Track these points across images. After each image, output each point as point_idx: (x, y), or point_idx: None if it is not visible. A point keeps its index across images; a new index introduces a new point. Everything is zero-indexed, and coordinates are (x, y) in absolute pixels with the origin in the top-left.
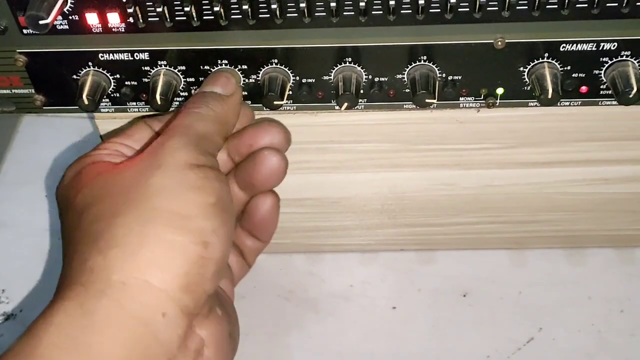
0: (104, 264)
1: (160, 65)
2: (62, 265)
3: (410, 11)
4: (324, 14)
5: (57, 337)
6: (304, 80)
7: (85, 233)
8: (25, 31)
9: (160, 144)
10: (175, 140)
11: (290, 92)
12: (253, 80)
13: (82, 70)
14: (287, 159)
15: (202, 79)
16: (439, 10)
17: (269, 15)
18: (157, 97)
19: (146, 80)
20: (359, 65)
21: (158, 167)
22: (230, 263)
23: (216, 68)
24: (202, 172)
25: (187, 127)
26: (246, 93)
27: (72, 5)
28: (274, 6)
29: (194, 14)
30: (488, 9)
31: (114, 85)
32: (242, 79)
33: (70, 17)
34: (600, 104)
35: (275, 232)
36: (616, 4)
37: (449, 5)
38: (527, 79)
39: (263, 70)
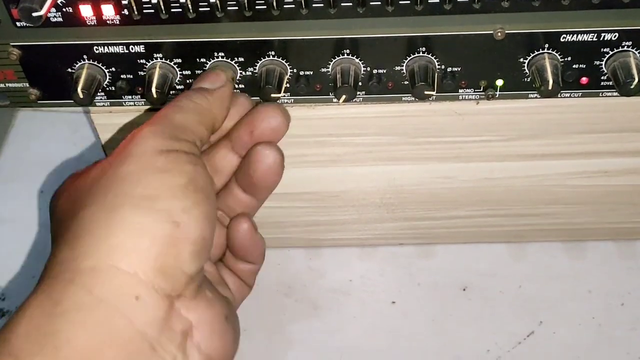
0: (72, 254)
1: (156, 58)
2: None
3: (408, 2)
4: (322, 5)
5: (27, 328)
6: (301, 73)
7: (57, 234)
8: (18, 24)
9: (132, 135)
10: (147, 129)
11: (288, 85)
12: (250, 73)
13: (77, 64)
14: (282, 152)
15: (199, 71)
16: (438, 0)
17: (265, 7)
18: (153, 90)
19: (142, 73)
20: (357, 57)
21: (127, 155)
22: (228, 283)
23: (212, 60)
24: (172, 156)
25: (162, 117)
26: (243, 86)
27: None
28: None
29: (189, 5)
30: None
31: (109, 79)
32: (238, 71)
33: (64, 9)
34: (601, 95)
35: (273, 228)
36: None
37: None
38: (527, 70)
39: (260, 62)
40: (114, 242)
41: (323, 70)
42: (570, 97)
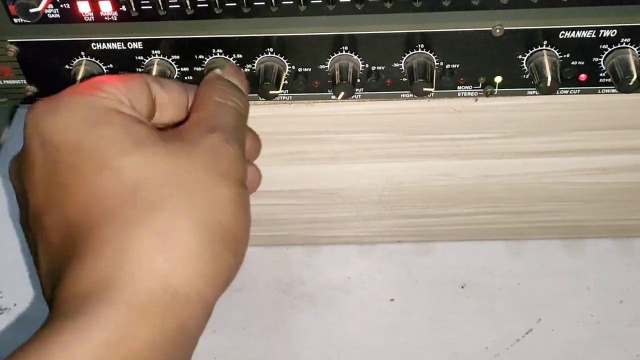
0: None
1: (154, 55)
2: None
3: None
4: (320, 1)
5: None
6: (300, 70)
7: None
8: (15, 20)
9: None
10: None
11: (286, 82)
12: (248, 70)
13: (75, 60)
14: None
15: (197, 68)
16: None
17: (263, 3)
18: None
19: (140, 70)
20: (355, 54)
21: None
22: None
23: (210, 57)
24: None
25: (234, 131)
26: None
27: None
28: None
29: (187, 2)
30: None
31: None
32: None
33: (61, 6)
34: (599, 92)
35: (271, 225)
36: None
37: None
38: (525, 67)
39: (258, 59)
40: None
41: (321, 67)
42: (568, 94)
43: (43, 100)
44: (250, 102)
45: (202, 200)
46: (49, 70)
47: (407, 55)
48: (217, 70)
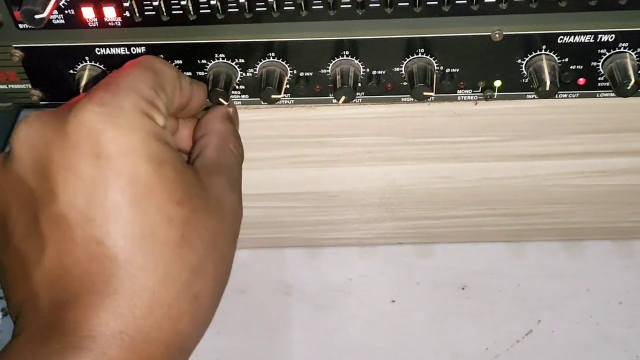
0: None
1: None
2: None
3: (407, 4)
4: (321, 7)
5: None
6: (301, 74)
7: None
8: (21, 26)
9: None
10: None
11: (288, 86)
12: (250, 74)
13: (79, 65)
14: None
15: (200, 72)
16: (437, 2)
17: (265, 9)
18: None
19: None
20: (356, 59)
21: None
22: None
23: (213, 62)
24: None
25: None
26: (244, 87)
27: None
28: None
29: (190, 7)
30: (485, 1)
31: None
32: (239, 73)
33: (66, 11)
34: (598, 95)
35: (273, 227)
36: None
37: None
38: (524, 72)
39: (260, 64)
40: None
41: (323, 71)
42: (567, 97)
43: (94, 101)
44: (252, 106)
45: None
46: (53, 75)
47: (408, 60)
48: (230, 110)
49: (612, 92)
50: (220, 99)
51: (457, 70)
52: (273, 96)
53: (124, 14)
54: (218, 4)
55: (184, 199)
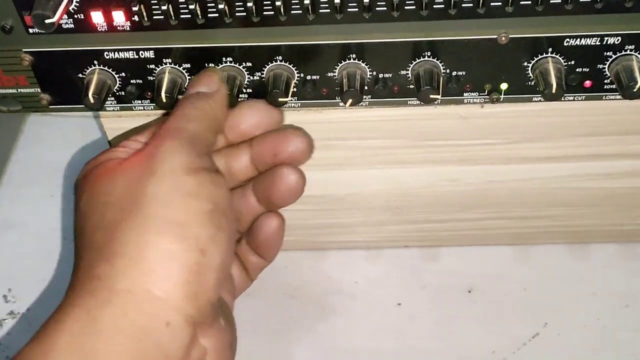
0: (110, 273)
1: (166, 64)
2: (73, 266)
3: (414, 7)
4: (328, 10)
5: (67, 343)
6: (308, 77)
7: (89, 241)
8: (31, 30)
9: (154, 147)
10: (169, 144)
11: (295, 89)
12: (258, 78)
13: (88, 69)
14: (304, 176)
15: None
16: (443, 6)
17: (273, 13)
18: (162, 95)
19: (151, 78)
20: (363, 62)
21: (153, 173)
22: (233, 274)
23: (220, 65)
24: (198, 177)
25: (178, 129)
26: (251, 90)
27: (77, 4)
28: (278, 3)
29: (198, 11)
30: (492, 4)
31: (119, 84)
32: (246, 76)
33: (75, 16)
34: (604, 98)
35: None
36: None
37: (452, 0)
38: (531, 74)
39: (268, 67)
40: (146, 266)
41: (330, 74)
42: (573, 100)
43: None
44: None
45: None
46: (62, 79)
47: (414, 63)
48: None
49: (619, 95)
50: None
51: (464, 73)
52: (280, 99)
53: (133, 18)
54: (226, 8)
55: None
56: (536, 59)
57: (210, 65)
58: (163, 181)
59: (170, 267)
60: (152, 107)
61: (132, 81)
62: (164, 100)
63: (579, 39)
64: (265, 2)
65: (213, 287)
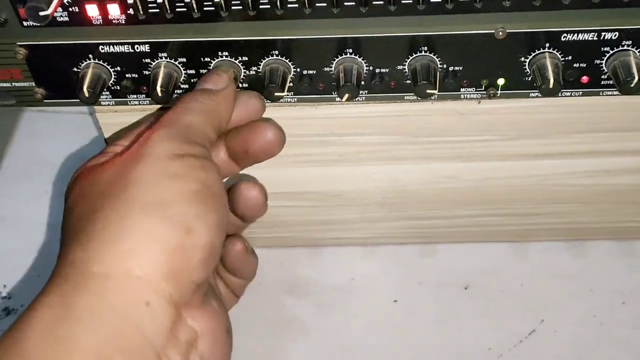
0: (84, 257)
1: (161, 57)
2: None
3: (411, 1)
4: (325, 4)
5: (40, 329)
6: (305, 72)
7: (70, 230)
8: (25, 23)
9: (145, 137)
10: (159, 132)
11: (291, 84)
12: (254, 72)
13: (83, 63)
14: (264, 190)
15: (203, 70)
16: (440, 0)
17: (269, 6)
18: (158, 89)
19: (147, 72)
20: (359, 57)
21: (139, 160)
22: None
23: (216, 60)
24: (185, 161)
25: (172, 119)
26: (247, 85)
27: None
28: None
29: (194, 5)
30: None
31: (114, 78)
32: (242, 70)
33: (70, 9)
34: (601, 94)
35: (276, 227)
36: None
37: None
38: (528, 69)
39: (264, 61)
40: (125, 247)
41: (326, 69)
42: (571, 96)
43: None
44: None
45: None
46: (57, 72)
47: (411, 58)
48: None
49: (616, 90)
50: None
51: (461, 68)
52: (276, 94)
53: (128, 12)
54: (222, 1)
55: None
56: (533, 54)
57: (206, 59)
58: (149, 165)
59: (151, 247)
60: (148, 101)
61: (127, 75)
62: (160, 94)
63: (576, 34)
64: None
65: (197, 267)
